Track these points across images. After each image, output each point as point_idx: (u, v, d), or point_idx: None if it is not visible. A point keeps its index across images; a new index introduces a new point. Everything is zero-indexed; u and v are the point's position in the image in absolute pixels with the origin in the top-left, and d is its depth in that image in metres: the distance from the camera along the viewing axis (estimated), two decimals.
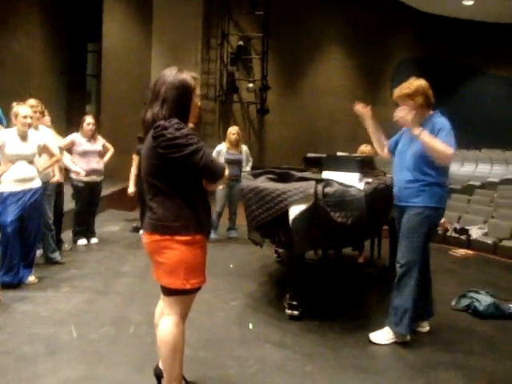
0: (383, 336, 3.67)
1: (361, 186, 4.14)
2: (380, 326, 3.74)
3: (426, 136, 3.43)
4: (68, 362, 3.23)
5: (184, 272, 2.44)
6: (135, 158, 6.35)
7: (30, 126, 4.61)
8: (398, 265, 3.65)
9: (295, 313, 4.03)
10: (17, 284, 4.60)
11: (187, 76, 2.50)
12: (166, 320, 2.55)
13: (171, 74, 2.48)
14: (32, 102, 5.10)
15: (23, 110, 4.57)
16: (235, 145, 7.01)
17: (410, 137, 3.61)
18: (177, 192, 2.44)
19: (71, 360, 3.26)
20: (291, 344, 3.62)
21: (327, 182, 3.88)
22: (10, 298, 4.32)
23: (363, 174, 4.52)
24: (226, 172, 2.54)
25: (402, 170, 3.65)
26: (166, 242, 2.43)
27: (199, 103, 2.63)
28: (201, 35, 12.44)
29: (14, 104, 4.67)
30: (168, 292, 2.52)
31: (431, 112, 3.64)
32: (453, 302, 4.53)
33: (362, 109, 3.95)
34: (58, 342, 3.52)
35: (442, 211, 3.70)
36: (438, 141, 3.41)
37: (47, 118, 5.63)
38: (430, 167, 3.50)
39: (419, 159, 3.52)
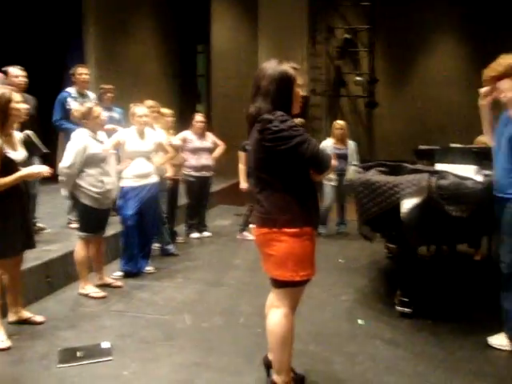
0: (503, 340, 3.39)
1: (479, 178, 3.89)
2: (499, 330, 3.46)
3: None
4: (182, 348, 3.40)
5: (292, 264, 2.45)
6: (241, 155, 6.49)
7: (146, 124, 4.90)
8: (501, 265, 3.33)
9: (407, 310, 3.89)
10: (136, 273, 4.92)
11: (287, 67, 2.48)
12: (275, 312, 2.57)
13: (271, 67, 2.48)
14: (150, 102, 5.41)
15: (139, 109, 4.86)
16: (340, 139, 6.92)
17: (505, 119, 3.26)
18: (284, 185, 2.45)
19: (185, 346, 3.42)
20: (402, 342, 3.50)
21: (441, 174, 3.69)
22: (130, 286, 4.65)
23: (481, 166, 4.23)
24: (333, 162, 2.52)
25: (499, 158, 3.32)
26: (274, 234, 2.45)
27: (302, 93, 2.60)
28: (306, 30, 12.37)
29: (132, 105, 4.98)
30: (277, 284, 2.54)
31: None
32: None
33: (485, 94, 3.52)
34: (172, 329, 3.72)
35: None
36: None
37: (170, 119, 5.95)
38: None
39: None
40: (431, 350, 3.38)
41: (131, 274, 4.87)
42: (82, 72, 5.78)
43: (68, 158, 4.15)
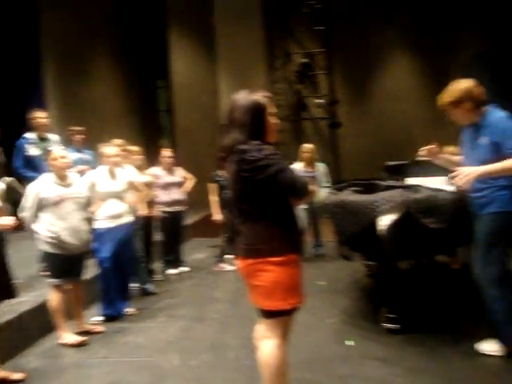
0: (492, 346, 3.41)
1: (451, 188, 3.95)
2: (487, 335, 3.47)
3: (489, 169, 3.08)
4: None
5: (281, 293, 2.41)
6: (212, 186, 6.52)
7: (117, 164, 4.83)
8: (477, 276, 3.38)
9: (395, 326, 3.88)
10: (117, 316, 4.77)
11: (258, 96, 2.51)
12: (267, 343, 2.52)
13: (242, 98, 2.50)
14: (118, 141, 5.34)
15: (109, 149, 4.80)
16: (309, 162, 7.03)
17: (470, 139, 3.37)
18: (265, 214, 2.44)
19: None
20: (395, 359, 3.48)
21: (415, 189, 3.75)
22: (111, 330, 4.50)
23: (450, 176, 4.31)
24: (312, 187, 2.52)
25: None
26: (259, 264, 2.42)
27: (275, 121, 2.61)
28: (264, 58, 12.58)
29: (101, 145, 4.91)
30: (267, 314, 2.50)
31: (485, 108, 3.31)
32: None
33: (428, 152, 3.65)
34: (161, 370, 3.60)
35: None
36: (505, 162, 3.06)
37: (139, 157, 5.87)
38: None
39: (484, 164, 3.15)
40: (426, 365, 3.36)
41: (112, 317, 4.73)
42: (39, 116, 5.70)
43: (22, 203, 4.16)
